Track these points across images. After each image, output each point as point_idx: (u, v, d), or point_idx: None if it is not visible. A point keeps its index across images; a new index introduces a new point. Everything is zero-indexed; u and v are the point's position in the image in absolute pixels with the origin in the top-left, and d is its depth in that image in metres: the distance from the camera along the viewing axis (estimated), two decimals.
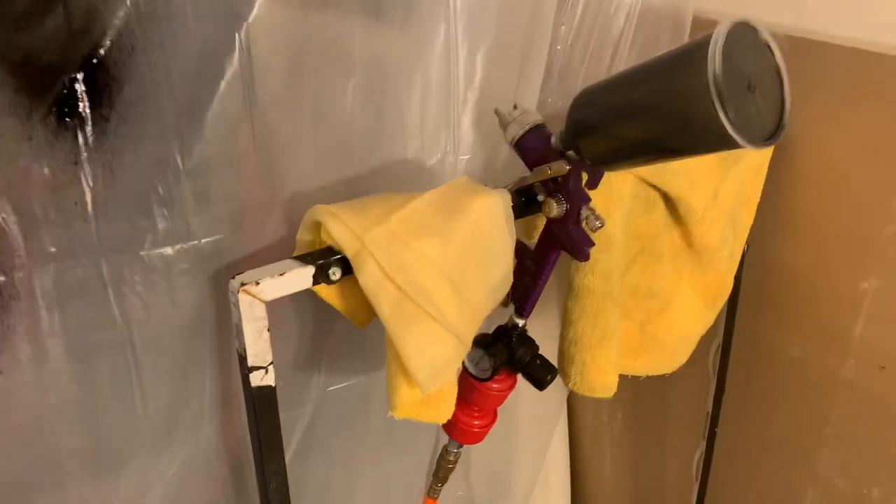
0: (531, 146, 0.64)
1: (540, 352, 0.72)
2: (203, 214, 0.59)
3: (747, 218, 0.86)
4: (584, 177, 0.63)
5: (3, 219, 0.51)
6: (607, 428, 1.34)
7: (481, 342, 0.70)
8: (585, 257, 0.63)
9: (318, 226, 0.56)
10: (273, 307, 0.54)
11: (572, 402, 1.35)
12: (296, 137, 0.63)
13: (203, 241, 0.60)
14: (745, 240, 0.87)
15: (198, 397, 0.66)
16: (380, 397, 0.80)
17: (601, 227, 0.61)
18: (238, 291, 0.52)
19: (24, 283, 0.53)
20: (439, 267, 0.56)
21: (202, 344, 0.64)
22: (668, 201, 0.76)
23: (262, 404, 0.56)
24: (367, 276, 0.53)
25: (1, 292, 0.52)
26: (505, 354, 0.70)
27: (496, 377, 0.71)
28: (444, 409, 0.62)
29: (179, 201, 0.57)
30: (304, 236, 0.58)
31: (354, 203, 0.57)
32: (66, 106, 0.50)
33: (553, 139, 0.62)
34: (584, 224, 0.62)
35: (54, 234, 0.53)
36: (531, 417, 1.21)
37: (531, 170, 0.64)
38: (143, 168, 0.55)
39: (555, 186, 0.63)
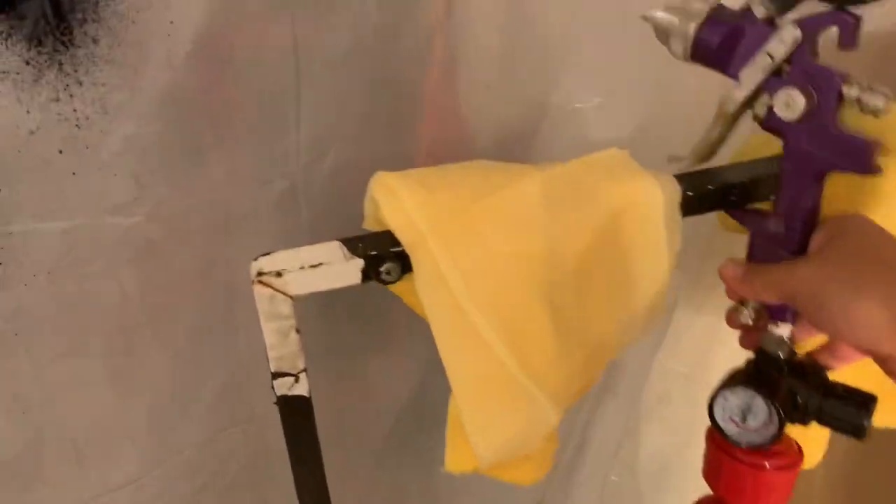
0: (720, 38, 0.41)
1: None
2: None
3: None
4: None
5: None
6: None
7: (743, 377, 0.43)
8: (871, 168, 0.39)
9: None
10: None
11: None
12: None
13: None
14: None
15: None
16: None
17: (883, 105, 0.38)
18: (254, 282, 0.39)
19: None
20: (538, 282, 0.37)
21: None
22: None
23: (292, 416, 0.43)
24: (422, 279, 0.37)
25: None
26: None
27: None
28: (530, 469, 0.45)
29: None
30: (369, 208, 0.42)
31: (431, 173, 0.40)
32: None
33: (755, 5, 0.40)
34: (853, 106, 0.38)
35: None
36: None
37: (732, 75, 0.41)
38: None
39: (776, 79, 0.40)
